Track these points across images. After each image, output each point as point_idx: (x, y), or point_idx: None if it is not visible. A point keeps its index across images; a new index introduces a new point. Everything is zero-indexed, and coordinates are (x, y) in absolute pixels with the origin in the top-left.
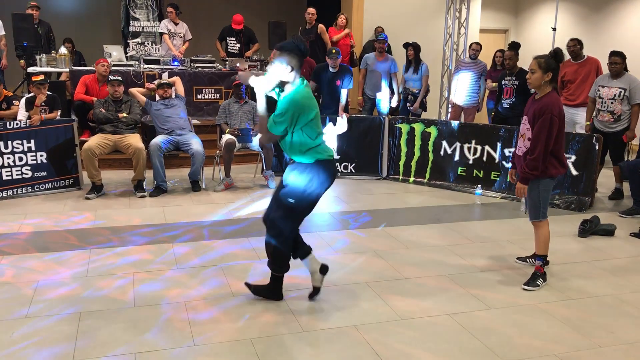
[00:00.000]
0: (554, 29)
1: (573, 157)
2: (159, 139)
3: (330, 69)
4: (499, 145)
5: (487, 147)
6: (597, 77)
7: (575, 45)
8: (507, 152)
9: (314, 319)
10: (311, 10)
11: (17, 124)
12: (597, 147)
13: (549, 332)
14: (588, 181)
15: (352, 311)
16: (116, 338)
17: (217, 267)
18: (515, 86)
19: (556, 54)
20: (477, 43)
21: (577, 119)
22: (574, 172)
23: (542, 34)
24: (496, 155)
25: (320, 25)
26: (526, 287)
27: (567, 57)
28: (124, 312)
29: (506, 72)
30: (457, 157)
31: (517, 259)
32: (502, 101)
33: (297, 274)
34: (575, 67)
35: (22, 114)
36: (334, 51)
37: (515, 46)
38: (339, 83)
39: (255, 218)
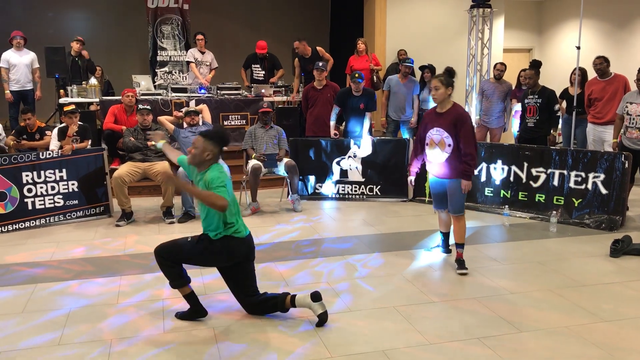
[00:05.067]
0: (579, 47)
1: (602, 176)
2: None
3: (354, 93)
4: (525, 165)
5: (513, 167)
6: (624, 94)
7: (602, 63)
8: (534, 171)
9: (342, 344)
10: (295, 44)
11: (49, 153)
12: (626, 165)
13: (582, 356)
14: (618, 200)
15: (381, 336)
16: None
17: None
18: (538, 104)
19: (449, 71)
20: (502, 63)
21: (605, 137)
22: (604, 191)
23: (567, 52)
24: (523, 175)
25: (318, 48)
26: (463, 272)
27: (593, 74)
28: (154, 339)
29: (528, 91)
30: (483, 178)
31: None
32: (526, 120)
33: (327, 297)
34: (602, 84)
35: (54, 144)
36: (356, 75)
37: (536, 65)
38: (363, 106)
39: (279, 241)
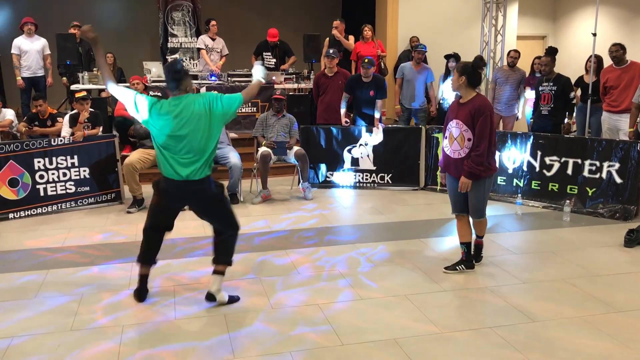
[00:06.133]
0: (594, 34)
1: (617, 165)
2: None
3: (363, 79)
4: (539, 153)
5: (527, 156)
6: None
7: (618, 50)
8: (548, 160)
9: (353, 333)
10: (335, 23)
11: (61, 140)
12: None
13: (595, 346)
14: (633, 189)
15: (392, 324)
16: (157, 352)
17: (257, 279)
18: (553, 92)
19: (475, 60)
20: (515, 50)
21: (621, 126)
22: (618, 180)
23: (582, 39)
24: (536, 164)
25: (351, 37)
26: (476, 263)
27: (609, 62)
28: (164, 325)
29: (543, 78)
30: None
31: (445, 268)
32: (540, 108)
33: (338, 286)
34: (618, 72)
35: (65, 131)
36: (366, 60)
37: (552, 52)
38: (373, 93)
39: (290, 228)
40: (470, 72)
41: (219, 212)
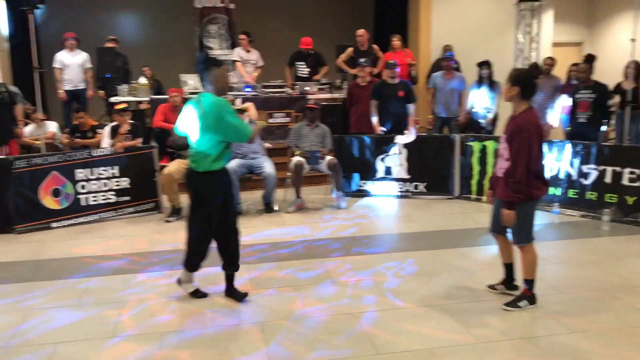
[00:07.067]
0: (633, 40)
1: None
2: (233, 163)
3: (388, 81)
4: (576, 162)
5: (563, 164)
6: None
7: None
8: (585, 169)
9: (388, 342)
10: (359, 32)
11: (101, 151)
12: None
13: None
14: None
15: (427, 334)
16: None
17: (290, 287)
18: (591, 100)
19: (530, 68)
20: (551, 58)
21: None
22: None
23: (620, 45)
24: (574, 173)
25: (374, 46)
26: (506, 308)
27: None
28: (203, 335)
29: (581, 85)
30: None
31: (488, 287)
32: (577, 116)
33: (373, 295)
34: None
35: (106, 142)
36: (391, 62)
37: (590, 59)
38: (402, 94)
39: (324, 237)
40: (524, 81)
41: (192, 215)
